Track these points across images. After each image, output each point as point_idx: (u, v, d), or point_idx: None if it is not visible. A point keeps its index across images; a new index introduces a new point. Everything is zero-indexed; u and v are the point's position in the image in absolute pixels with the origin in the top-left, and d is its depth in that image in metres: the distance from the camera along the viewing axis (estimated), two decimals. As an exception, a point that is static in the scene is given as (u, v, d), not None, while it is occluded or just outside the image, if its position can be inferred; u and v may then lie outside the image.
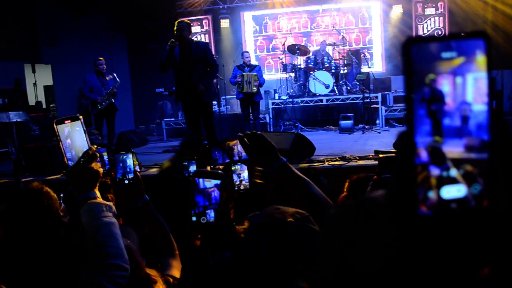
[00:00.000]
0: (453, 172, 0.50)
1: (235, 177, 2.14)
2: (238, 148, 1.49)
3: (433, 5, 12.20)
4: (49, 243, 1.65)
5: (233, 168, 2.14)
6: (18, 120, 8.90)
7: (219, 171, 1.23)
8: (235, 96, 9.42)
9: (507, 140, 0.57)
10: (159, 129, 11.78)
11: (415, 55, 0.51)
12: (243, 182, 2.13)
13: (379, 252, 0.55)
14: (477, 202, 0.50)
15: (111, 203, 1.32)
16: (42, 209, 1.70)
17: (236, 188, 2.14)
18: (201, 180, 1.23)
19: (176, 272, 1.56)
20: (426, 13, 12.26)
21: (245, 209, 2.07)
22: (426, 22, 12.31)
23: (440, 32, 12.12)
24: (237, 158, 1.51)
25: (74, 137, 1.39)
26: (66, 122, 1.38)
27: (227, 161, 1.51)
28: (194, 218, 1.22)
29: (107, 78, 7.84)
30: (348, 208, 0.61)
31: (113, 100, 7.76)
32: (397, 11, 12.20)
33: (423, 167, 0.51)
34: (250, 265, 1.03)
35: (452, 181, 0.50)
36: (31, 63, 9.25)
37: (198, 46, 5.69)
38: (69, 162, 1.38)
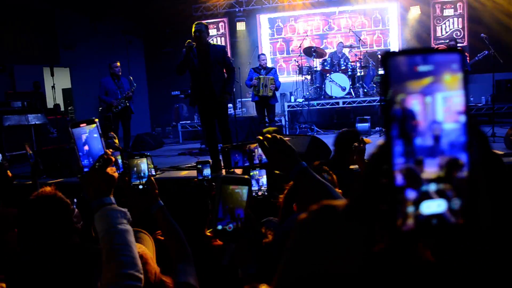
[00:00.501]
0: (433, 187, 0.50)
1: (253, 183, 2.10)
2: (259, 151, 1.46)
3: (452, 6, 12.02)
4: (62, 251, 1.63)
5: (251, 173, 2.10)
6: (37, 122, 9.03)
7: (246, 176, 1.19)
8: (250, 99, 9.40)
9: (488, 155, 0.55)
10: (175, 132, 11.83)
11: (391, 71, 0.50)
12: (262, 188, 2.10)
13: (336, 258, 0.54)
14: (457, 217, 0.50)
15: (126, 210, 1.29)
16: (54, 216, 1.68)
17: (254, 194, 2.10)
18: (229, 186, 1.18)
19: (191, 279, 1.53)
20: (444, 14, 12.09)
21: (261, 216, 2.03)
22: (444, 23, 12.14)
23: (459, 33, 11.94)
24: (257, 161, 1.47)
25: (91, 143, 1.37)
26: (81, 125, 1.37)
27: (247, 164, 1.47)
28: (219, 227, 1.17)
29: (122, 82, 7.90)
30: (311, 215, 0.59)
31: (128, 103, 7.80)
32: (414, 12, 12.04)
33: (399, 190, 0.51)
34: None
35: (432, 196, 0.50)
36: (50, 67, 9.37)
37: (216, 49, 5.67)
38: (86, 169, 1.36)
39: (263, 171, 2.11)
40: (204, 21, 5.88)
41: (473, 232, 0.51)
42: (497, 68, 8.05)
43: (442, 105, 0.50)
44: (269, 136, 1.42)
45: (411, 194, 0.51)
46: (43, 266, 1.58)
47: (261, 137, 1.43)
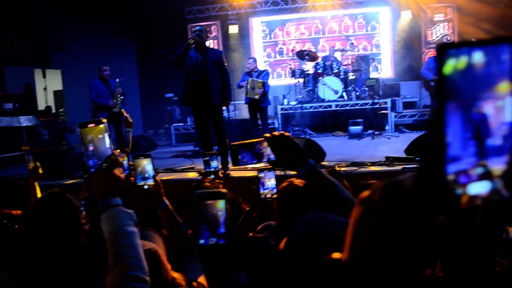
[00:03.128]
0: (480, 170, 0.54)
1: (261, 185, 2.10)
2: (268, 150, 1.47)
3: (442, 11, 12.17)
4: (69, 252, 1.63)
5: (259, 175, 2.10)
6: (29, 124, 8.96)
7: (222, 190, 1.20)
8: (243, 101, 9.42)
9: None
10: (167, 134, 11.81)
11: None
12: (268, 190, 2.09)
13: (404, 234, 0.56)
14: (501, 196, 0.54)
15: (132, 211, 1.29)
16: (64, 217, 1.68)
17: (262, 197, 2.10)
18: (205, 201, 1.19)
19: (199, 277, 1.54)
20: (434, 19, 12.23)
21: (270, 218, 2.03)
22: (435, 28, 12.28)
23: (449, 38, 12.07)
24: (266, 160, 1.48)
25: (97, 142, 1.36)
26: (89, 126, 1.36)
27: (255, 162, 1.48)
28: (201, 241, 1.18)
29: (111, 84, 7.80)
30: (378, 191, 0.61)
31: (121, 98, 7.68)
32: (406, 17, 12.18)
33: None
34: (295, 279, 0.96)
35: (481, 178, 0.54)
36: (42, 68, 9.32)
37: (214, 52, 5.67)
38: (92, 170, 1.36)
39: (272, 173, 2.10)
40: (195, 24, 5.88)
41: None
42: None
43: (511, 107, 0.54)
44: (277, 134, 1.44)
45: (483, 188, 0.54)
46: (50, 266, 1.58)
47: (269, 135, 1.44)
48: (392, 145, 7.45)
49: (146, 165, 1.83)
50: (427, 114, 9.88)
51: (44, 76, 9.26)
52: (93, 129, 1.36)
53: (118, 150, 1.35)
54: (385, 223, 0.59)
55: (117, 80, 7.84)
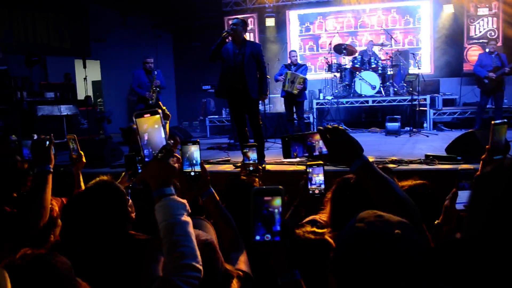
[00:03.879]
0: None
1: (309, 181, 2.07)
2: (320, 143, 1.43)
3: (486, 5, 11.70)
4: (117, 240, 1.65)
5: (308, 170, 2.07)
6: (69, 113, 9.21)
7: (278, 187, 1.19)
8: (278, 95, 9.35)
9: None
10: (202, 126, 11.90)
11: None
12: (316, 186, 2.07)
13: None
14: None
15: (185, 201, 1.30)
16: (113, 204, 1.70)
17: (310, 192, 2.07)
18: (262, 198, 1.18)
19: (243, 266, 1.53)
20: (478, 14, 11.79)
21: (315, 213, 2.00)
22: (478, 23, 11.84)
23: (493, 33, 11.62)
24: (317, 153, 1.44)
25: (153, 133, 1.37)
26: (145, 116, 1.36)
27: (306, 155, 1.45)
28: (257, 237, 1.18)
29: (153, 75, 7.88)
30: (506, 167, 0.58)
31: (158, 90, 7.74)
32: (448, 11, 11.77)
33: None
34: (346, 278, 0.93)
35: None
36: (82, 59, 9.56)
37: (253, 45, 5.65)
38: (146, 159, 1.36)
39: (320, 169, 2.07)
40: (232, 17, 5.87)
41: None
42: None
43: None
44: (330, 126, 1.40)
45: None
46: (99, 254, 1.60)
47: (321, 128, 1.40)
48: (430, 143, 7.25)
49: (194, 151, 1.81)
50: (468, 112, 9.57)
51: (85, 67, 9.48)
52: (149, 119, 1.36)
53: (172, 141, 1.34)
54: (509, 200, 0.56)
55: (155, 72, 7.91)
